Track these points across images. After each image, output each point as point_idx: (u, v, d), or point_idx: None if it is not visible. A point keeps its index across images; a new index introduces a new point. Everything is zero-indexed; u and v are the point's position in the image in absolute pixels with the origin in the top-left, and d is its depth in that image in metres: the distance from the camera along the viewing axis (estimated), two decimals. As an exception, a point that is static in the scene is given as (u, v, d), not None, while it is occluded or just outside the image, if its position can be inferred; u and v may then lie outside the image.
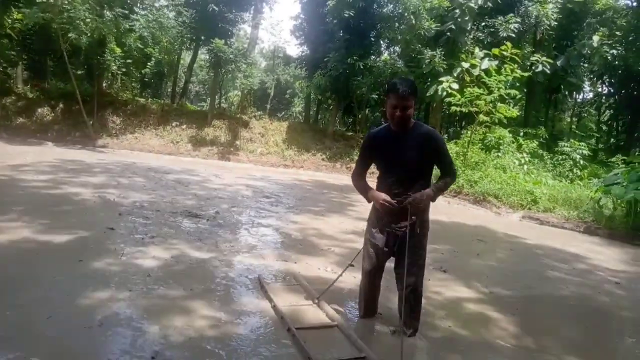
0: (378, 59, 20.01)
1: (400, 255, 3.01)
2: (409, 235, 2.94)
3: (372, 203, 3.15)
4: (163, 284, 3.58)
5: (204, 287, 3.63)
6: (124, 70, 17.91)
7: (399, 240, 3.02)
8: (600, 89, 25.43)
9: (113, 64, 16.83)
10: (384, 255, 3.14)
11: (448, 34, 18.71)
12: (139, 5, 17.15)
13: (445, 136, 19.69)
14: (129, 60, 17.41)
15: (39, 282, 3.33)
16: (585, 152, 16.61)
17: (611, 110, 23.80)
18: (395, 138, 2.99)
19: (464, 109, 14.98)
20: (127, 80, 21.64)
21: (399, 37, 21.01)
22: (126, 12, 15.48)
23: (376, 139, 3.11)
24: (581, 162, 16.28)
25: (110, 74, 19.19)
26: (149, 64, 22.29)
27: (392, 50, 24.37)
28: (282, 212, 7.53)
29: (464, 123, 22.82)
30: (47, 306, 2.94)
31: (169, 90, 25.46)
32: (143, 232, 5.00)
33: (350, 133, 22.02)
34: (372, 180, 3.17)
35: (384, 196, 2.96)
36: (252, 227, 6.02)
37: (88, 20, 14.01)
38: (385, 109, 3.05)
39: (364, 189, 3.16)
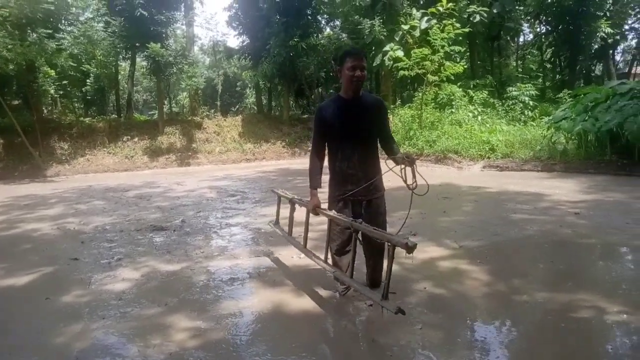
0: (321, 36, 19.89)
1: (368, 219, 3.08)
2: (370, 201, 3.17)
3: (330, 180, 3.27)
4: (136, 304, 3.52)
5: (179, 299, 3.58)
6: (61, 92, 17.18)
7: (365, 207, 3.17)
8: (538, 29, 25.97)
9: (49, 88, 16.11)
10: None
11: (384, -1, 18.75)
12: (63, 22, 16.32)
13: (399, 102, 19.87)
14: (64, 82, 16.70)
15: (6, 329, 3.21)
16: (533, 92, 17.08)
17: (552, 48, 24.44)
18: (348, 105, 3.09)
19: (412, 72, 15.14)
20: (68, 102, 20.79)
21: (338, 11, 20.93)
22: (50, 31, 14.72)
23: (328, 109, 3.16)
24: (530, 103, 16.75)
25: (49, 99, 18.38)
26: (88, 81, 21.44)
27: (333, 25, 24.25)
28: (250, 207, 7.49)
29: (415, 85, 23.08)
30: (19, 353, 2.84)
31: (113, 105, 24.60)
32: (109, 256, 4.87)
33: (306, 115, 21.94)
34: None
35: (314, 206, 3.27)
36: (220, 229, 5.97)
37: (10, 46, 13.28)
38: (341, 79, 3.12)
39: (314, 177, 3.26)
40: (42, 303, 3.64)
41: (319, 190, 3.32)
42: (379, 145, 3.25)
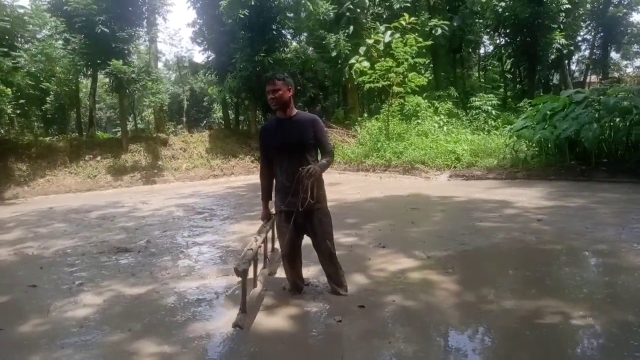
0: (287, 50, 19.91)
1: (312, 230, 3.48)
2: (312, 213, 3.43)
3: (275, 193, 3.62)
4: (99, 331, 3.37)
5: (144, 323, 3.45)
6: (19, 111, 16.53)
7: (305, 217, 3.43)
8: (498, 41, 26.78)
9: (5, 107, 15.47)
10: (297, 234, 3.53)
11: (348, 14, 19.01)
12: (19, 39, 15.78)
13: (366, 114, 20.10)
14: (22, 100, 16.10)
15: (-45, 366, 3.01)
16: (495, 102, 17.61)
17: (511, 59, 25.22)
18: (283, 124, 3.43)
19: (377, 84, 15.36)
20: (26, 121, 20.04)
21: (303, 25, 21.06)
22: (5, 49, 14.20)
23: (267, 129, 3.57)
24: (493, 112, 17.25)
25: (5, 118, 17.65)
26: (48, 99, 20.74)
27: (299, 39, 24.38)
28: (218, 225, 7.36)
29: (382, 97, 23.40)
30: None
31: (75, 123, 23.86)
32: (70, 281, 4.67)
33: (274, 129, 21.84)
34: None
35: (263, 216, 3.79)
36: (187, 248, 5.82)
37: (-39, 65, 12.71)
38: None
39: (264, 193, 3.72)
40: (-5, 336, 3.44)
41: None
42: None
